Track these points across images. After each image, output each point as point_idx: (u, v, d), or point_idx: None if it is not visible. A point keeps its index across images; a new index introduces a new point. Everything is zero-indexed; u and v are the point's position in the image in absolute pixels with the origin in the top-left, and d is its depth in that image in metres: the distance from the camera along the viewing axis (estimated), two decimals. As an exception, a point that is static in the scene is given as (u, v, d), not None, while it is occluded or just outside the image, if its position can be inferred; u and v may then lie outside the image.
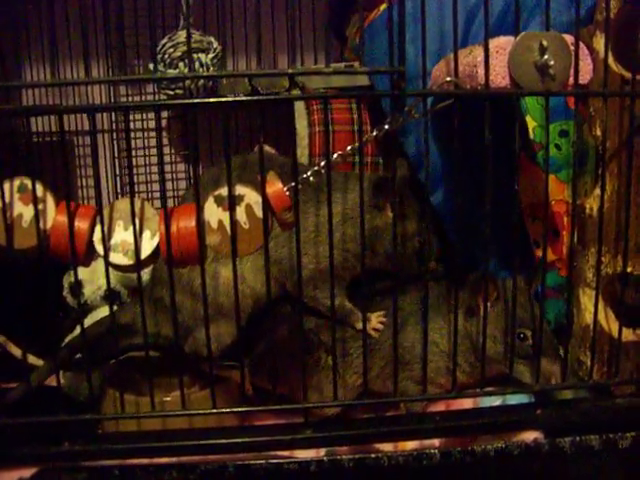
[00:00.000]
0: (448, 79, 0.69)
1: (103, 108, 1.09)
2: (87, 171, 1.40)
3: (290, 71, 0.69)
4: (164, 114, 1.41)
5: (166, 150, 1.41)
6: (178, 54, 1.15)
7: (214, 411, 0.71)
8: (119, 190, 1.36)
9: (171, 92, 1.15)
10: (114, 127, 1.37)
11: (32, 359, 0.89)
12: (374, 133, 0.69)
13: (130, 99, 1.42)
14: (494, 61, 0.69)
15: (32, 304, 0.72)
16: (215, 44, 1.18)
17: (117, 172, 1.40)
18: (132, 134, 1.36)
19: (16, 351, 0.95)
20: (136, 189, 1.24)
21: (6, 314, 0.85)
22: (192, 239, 0.67)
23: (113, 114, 1.36)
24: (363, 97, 1.04)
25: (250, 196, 0.67)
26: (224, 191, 0.67)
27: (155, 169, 1.36)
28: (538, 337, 0.75)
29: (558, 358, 0.80)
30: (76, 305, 1.02)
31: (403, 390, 0.84)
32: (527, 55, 0.68)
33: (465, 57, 0.73)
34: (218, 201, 0.67)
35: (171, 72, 1.14)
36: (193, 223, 0.67)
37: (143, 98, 1.41)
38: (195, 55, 1.16)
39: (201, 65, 1.17)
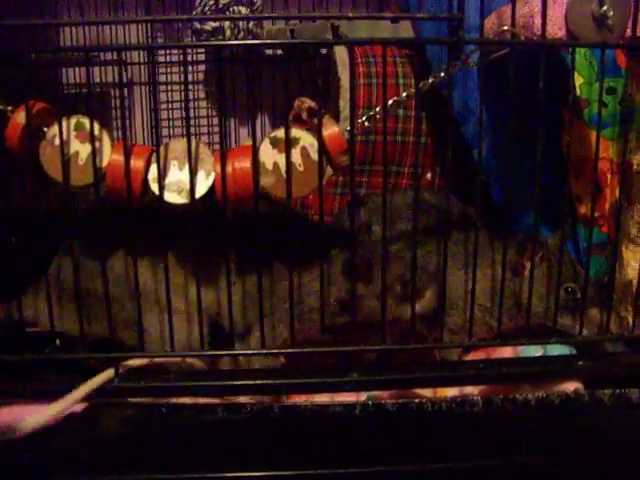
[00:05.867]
0: (505, 28, 0.69)
1: (134, 47, 1.10)
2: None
3: (333, 19, 0.68)
4: (202, 67, 1.41)
5: (203, 104, 1.42)
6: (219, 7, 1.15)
7: (263, 352, 0.73)
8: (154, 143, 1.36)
9: (210, 45, 1.16)
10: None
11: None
12: (430, 80, 0.69)
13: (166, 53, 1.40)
14: (551, 11, 0.69)
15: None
16: (255, -3, 1.18)
17: (153, 124, 1.39)
18: (169, 87, 1.36)
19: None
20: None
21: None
22: (247, 180, 0.68)
23: (149, 67, 1.36)
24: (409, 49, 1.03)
25: (306, 138, 0.67)
26: (280, 133, 0.67)
27: (192, 122, 1.35)
28: (584, 288, 0.75)
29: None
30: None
31: (437, 337, 0.83)
32: (585, 5, 0.68)
33: (521, 8, 0.73)
34: (274, 143, 0.68)
35: (211, 24, 1.14)
36: (248, 164, 0.68)
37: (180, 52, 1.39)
38: (235, 8, 1.16)
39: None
